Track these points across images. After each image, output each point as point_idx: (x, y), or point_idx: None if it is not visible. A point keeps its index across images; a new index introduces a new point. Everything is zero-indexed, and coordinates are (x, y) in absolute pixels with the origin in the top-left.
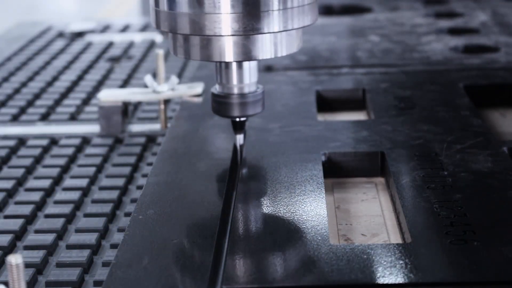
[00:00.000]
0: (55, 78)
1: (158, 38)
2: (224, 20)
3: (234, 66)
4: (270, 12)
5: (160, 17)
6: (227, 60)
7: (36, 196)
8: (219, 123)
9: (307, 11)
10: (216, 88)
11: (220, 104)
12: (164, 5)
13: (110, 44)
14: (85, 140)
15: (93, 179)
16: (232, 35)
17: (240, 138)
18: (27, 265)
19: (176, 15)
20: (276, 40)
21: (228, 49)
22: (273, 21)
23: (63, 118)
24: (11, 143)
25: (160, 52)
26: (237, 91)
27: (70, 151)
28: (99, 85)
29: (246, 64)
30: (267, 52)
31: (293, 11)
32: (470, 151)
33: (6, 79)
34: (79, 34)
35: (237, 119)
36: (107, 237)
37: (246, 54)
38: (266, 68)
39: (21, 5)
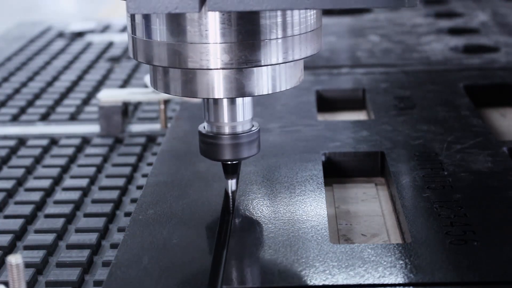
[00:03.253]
0: (55, 78)
1: None
2: (212, 51)
3: (225, 102)
4: (267, 42)
5: (137, 46)
6: (216, 97)
7: (36, 196)
8: None
9: (311, 38)
10: (204, 127)
11: (209, 145)
12: (141, 33)
13: (110, 44)
14: (85, 140)
15: (93, 179)
16: (222, 68)
17: (232, 184)
18: (27, 265)
19: (155, 45)
20: (274, 74)
21: (217, 85)
22: (270, 52)
23: (63, 118)
24: (11, 143)
25: None
26: (229, 130)
27: (70, 151)
28: (99, 85)
29: (239, 100)
30: (264, 87)
31: (294, 40)
32: (470, 151)
33: (6, 79)
34: (79, 34)
35: (229, 162)
36: (107, 237)
37: (239, 90)
38: None
39: (21, 5)
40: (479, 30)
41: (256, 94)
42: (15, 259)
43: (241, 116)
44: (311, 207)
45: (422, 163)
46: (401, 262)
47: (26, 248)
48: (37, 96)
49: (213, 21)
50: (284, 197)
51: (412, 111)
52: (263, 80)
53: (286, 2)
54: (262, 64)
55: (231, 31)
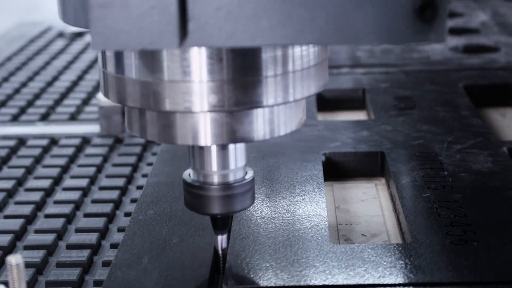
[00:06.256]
0: (55, 78)
1: None
2: (197, 90)
3: (213, 148)
4: (264, 79)
5: (108, 82)
6: (202, 144)
7: (36, 196)
8: None
9: (314, 74)
10: (190, 175)
11: (195, 197)
12: (113, 67)
13: None
14: (85, 140)
15: (93, 179)
16: (210, 111)
17: (222, 240)
18: (27, 265)
19: (129, 82)
20: (272, 116)
21: (203, 130)
22: (267, 91)
23: (63, 118)
24: (11, 143)
25: None
26: (219, 179)
27: (70, 151)
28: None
29: (231, 145)
30: (260, 132)
31: (295, 76)
32: (470, 151)
33: (6, 79)
34: (79, 34)
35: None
36: (107, 237)
37: (230, 135)
38: None
39: (21, 5)
40: (479, 30)
41: (250, 141)
42: (15, 259)
43: (232, 164)
44: (311, 207)
45: (422, 163)
46: (401, 262)
47: (26, 248)
48: (37, 96)
49: (197, 55)
50: (284, 197)
51: (412, 111)
52: (259, 124)
53: (285, 37)
54: (258, 105)
55: (220, 67)
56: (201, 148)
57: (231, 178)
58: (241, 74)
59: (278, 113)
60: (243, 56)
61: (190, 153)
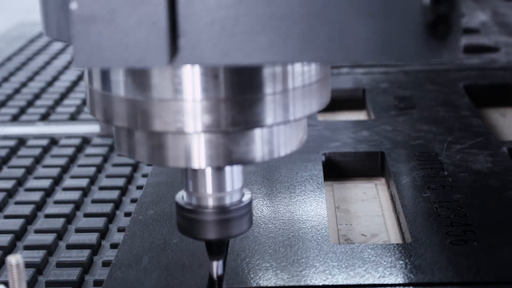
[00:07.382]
0: (55, 78)
1: None
2: (190, 110)
3: (208, 170)
4: (262, 97)
5: (94, 99)
6: (196, 167)
7: (36, 196)
8: None
9: (316, 91)
10: (183, 197)
11: (189, 221)
12: (99, 83)
13: None
14: (85, 140)
15: (93, 179)
16: (204, 132)
17: (218, 266)
18: (27, 265)
19: (117, 100)
20: (270, 137)
21: (197, 152)
22: (266, 110)
23: (63, 118)
24: (11, 143)
25: None
26: (214, 203)
27: (70, 151)
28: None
29: (227, 167)
30: (258, 154)
31: (295, 94)
32: (470, 151)
33: (6, 79)
34: None
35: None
36: (107, 237)
37: (225, 157)
38: None
39: (21, 5)
40: (479, 30)
41: (247, 163)
42: (15, 259)
43: (229, 186)
44: (311, 207)
45: (422, 163)
46: (401, 262)
47: (26, 248)
48: (37, 96)
49: (190, 72)
50: (284, 197)
51: (412, 111)
52: (257, 145)
53: (284, 54)
54: (256, 125)
55: (215, 84)
56: (195, 169)
57: (227, 201)
58: (237, 92)
59: (277, 133)
60: (240, 72)
61: (183, 174)
